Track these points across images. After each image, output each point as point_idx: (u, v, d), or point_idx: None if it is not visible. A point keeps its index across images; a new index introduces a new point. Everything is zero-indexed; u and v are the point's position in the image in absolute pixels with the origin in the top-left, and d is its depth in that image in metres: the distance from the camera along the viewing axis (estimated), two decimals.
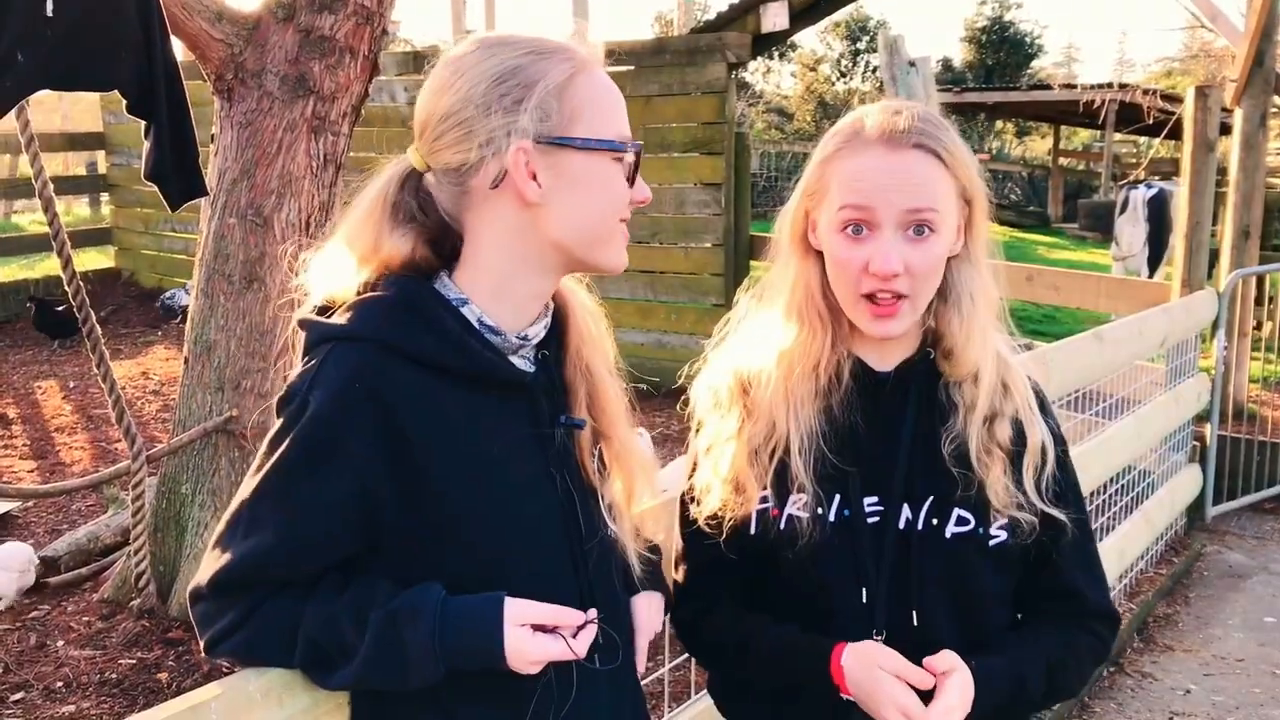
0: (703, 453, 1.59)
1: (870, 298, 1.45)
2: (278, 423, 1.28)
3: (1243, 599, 4.91)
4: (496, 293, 1.34)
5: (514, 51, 1.31)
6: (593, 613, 1.31)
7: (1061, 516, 1.52)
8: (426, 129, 1.33)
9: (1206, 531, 5.72)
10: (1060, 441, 1.58)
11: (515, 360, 1.36)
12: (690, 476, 1.61)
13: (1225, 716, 3.89)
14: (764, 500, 1.52)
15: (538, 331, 1.38)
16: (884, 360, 1.54)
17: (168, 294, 10.08)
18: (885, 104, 1.51)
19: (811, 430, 1.49)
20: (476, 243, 1.34)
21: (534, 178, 1.29)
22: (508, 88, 1.28)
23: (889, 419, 1.51)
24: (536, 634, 1.25)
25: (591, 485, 1.42)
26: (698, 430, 1.62)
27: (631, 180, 1.36)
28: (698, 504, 1.56)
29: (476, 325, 1.33)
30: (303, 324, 1.33)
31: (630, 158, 1.34)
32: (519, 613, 1.25)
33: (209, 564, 1.28)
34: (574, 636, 1.28)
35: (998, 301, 1.54)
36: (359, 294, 1.33)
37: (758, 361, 1.56)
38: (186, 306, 9.57)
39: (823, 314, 1.52)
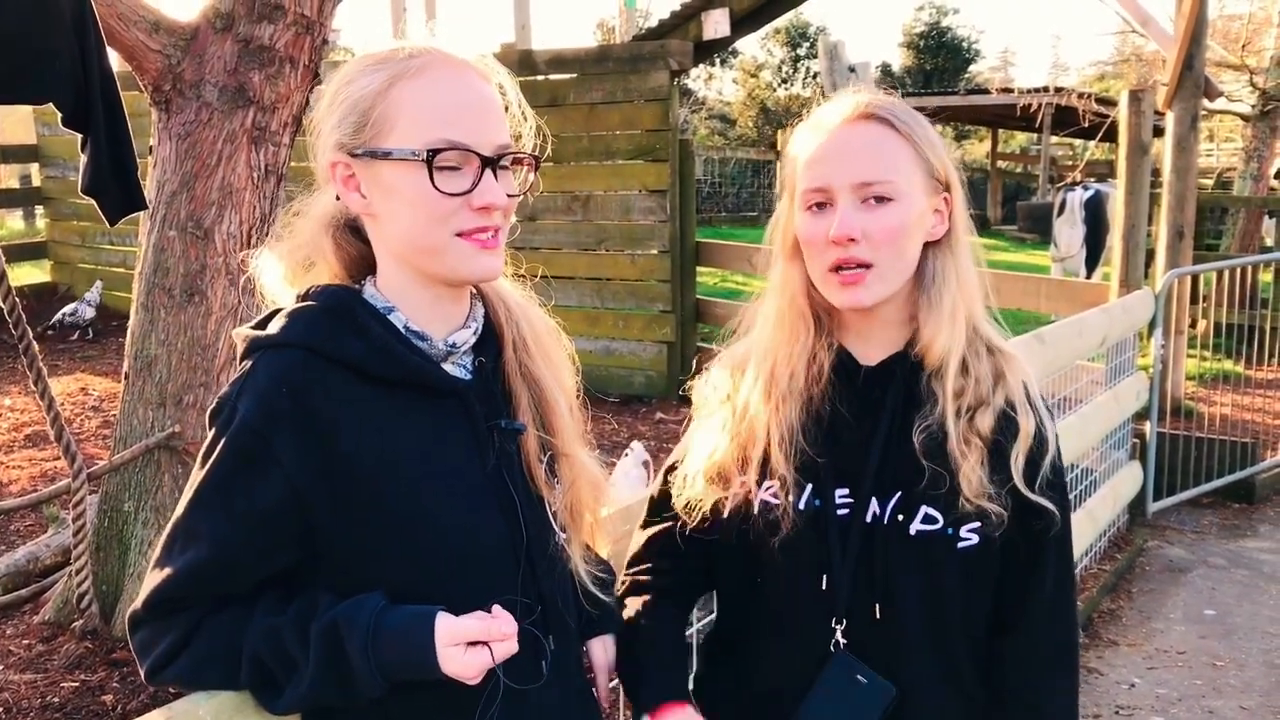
0: (692, 443, 1.65)
1: (837, 270, 1.48)
2: (210, 434, 1.28)
3: (1183, 593, 5.01)
4: (405, 300, 1.35)
5: (355, 69, 1.33)
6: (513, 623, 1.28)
7: (1050, 506, 1.50)
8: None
9: (1148, 527, 5.83)
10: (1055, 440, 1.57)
11: (449, 368, 1.37)
12: (678, 462, 1.67)
13: (1169, 708, 3.96)
14: (742, 486, 1.57)
15: (466, 338, 1.38)
16: (869, 354, 1.56)
17: (68, 308, 9.52)
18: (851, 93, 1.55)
19: (790, 423, 1.54)
20: (378, 258, 1.38)
21: (359, 191, 1.32)
22: (333, 104, 1.32)
23: (868, 412, 1.53)
24: (469, 650, 1.23)
25: (539, 492, 1.41)
26: (691, 422, 1.70)
27: (473, 184, 1.28)
28: (677, 489, 1.63)
29: (404, 331, 1.34)
30: (237, 336, 1.35)
31: (450, 159, 1.28)
32: (449, 632, 1.23)
33: (146, 585, 1.27)
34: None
35: (977, 294, 1.55)
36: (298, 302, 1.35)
37: (749, 360, 1.62)
38: (90, 322, 9.30)
39: (805, 314, 1.56)
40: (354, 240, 1.40)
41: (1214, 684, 4.14)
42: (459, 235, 1.29)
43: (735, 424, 1.59)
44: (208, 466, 1.26)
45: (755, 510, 1.55)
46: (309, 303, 1.33)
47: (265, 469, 1.24)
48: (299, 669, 1.23)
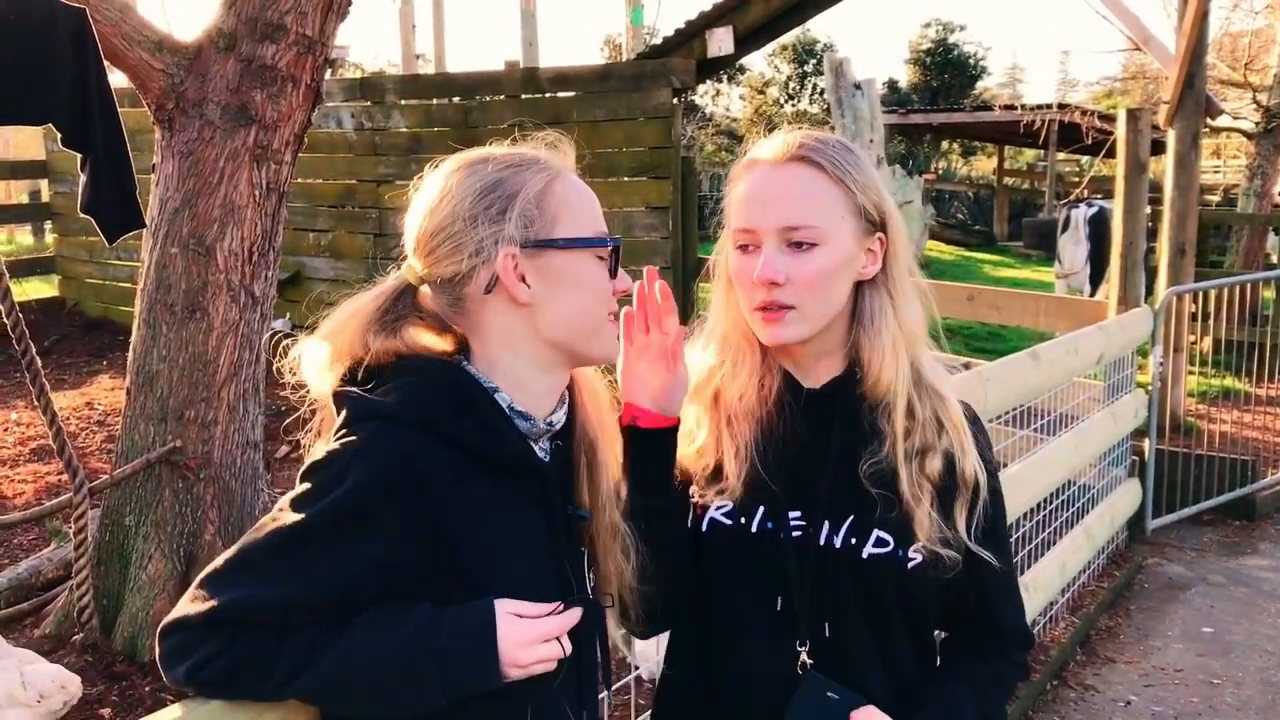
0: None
1: (763, 309, 1.52)
2: (304, 485, 1.30)
3: (1182, 610, 5.01)
4: (516, 388, 1.41)
5: (494, 166, 1.40)
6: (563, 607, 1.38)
7: (989, 558, 1.57)
8: (420, 245, 1.41)
9: (1147, 544, 5.83)
10: (993, 475, 1.62)
11: (535, 448, 1.43)
12: None
13: None
14: (700, 495, 1.60)
15: (560, 419, 1.45)
16: (811, 379, 1.59)
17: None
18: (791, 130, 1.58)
19: (744, 442, 1.57)
20: (485, 344, 1.42)
21: (523, 280, 1.38)
22: (491, 199, 1.38)
23: (816, 436, 1.56)
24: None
25: (586, 570, 1.49)
26: None
27: (614, 273, 1.44)
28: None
29: (508, 411, 1.39)
30: (343, 396, 1.36)
31: (609, 251, 1.43)
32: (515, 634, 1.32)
33: (199, 600, 1.27)
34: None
35: (917, 332, 1.58)
36: (342, 382, 1.38)
37: (700, 378, 1.64)
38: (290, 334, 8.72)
39: (748, 336, 1.59)
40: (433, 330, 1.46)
41: (1210, 702, 4.14)
42: (610, 316, 1.44)
43: (694, 429, 1.64)
44: (303, 516, 1.27)
45: (704, 526, 1.59)
46: (419, 375, 1.36)
47: (367, 536, 1.27)
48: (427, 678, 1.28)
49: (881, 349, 1.53)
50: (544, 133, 1.48)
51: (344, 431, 1.32)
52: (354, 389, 1.36)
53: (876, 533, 1.53)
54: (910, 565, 1.53)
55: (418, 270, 1.42)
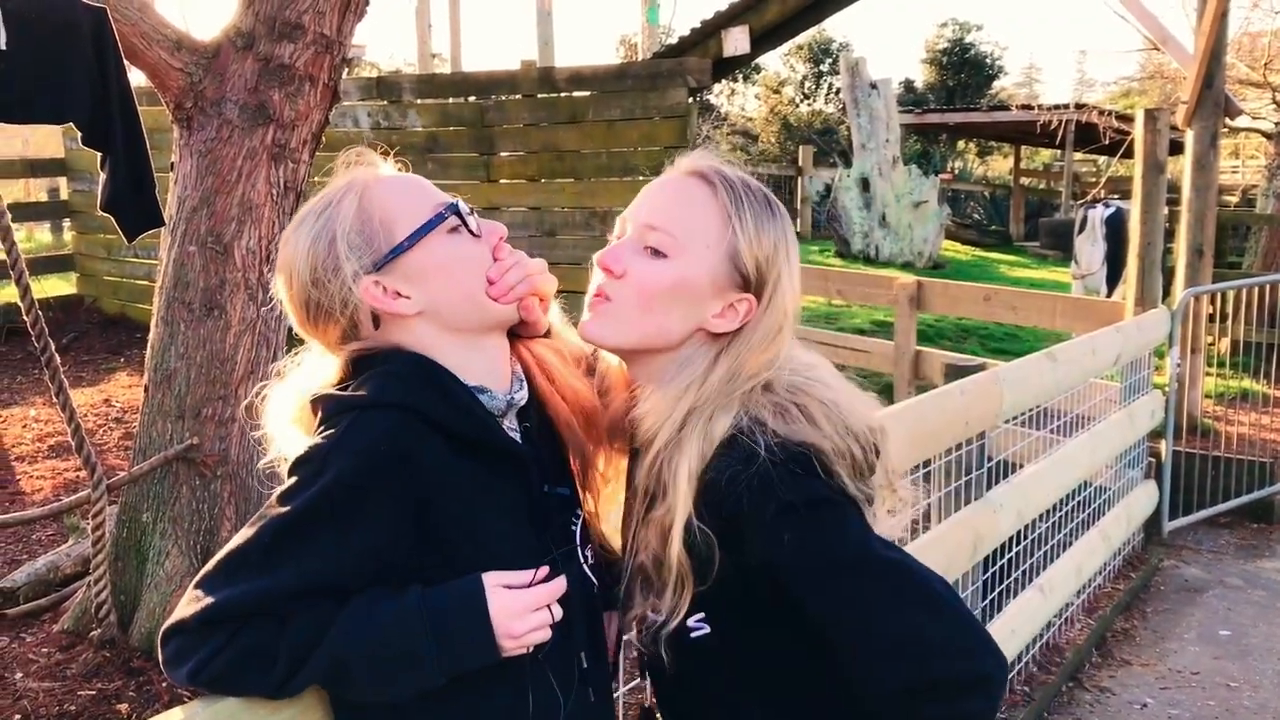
0: None
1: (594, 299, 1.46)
2: (290, 481, 1.31)
3: (1199, 613, 4.99)
4: (463, 372, 1.41)
5: (307, 224, 1.41)
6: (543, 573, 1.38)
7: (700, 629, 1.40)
8: (305, 329, 1.44)
9: (1163, 546, 5.81)
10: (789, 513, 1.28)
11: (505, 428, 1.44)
12: None
13: None
14: None
15: (522, 396, 1.46)
16: None
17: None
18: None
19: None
20: (414, 345, 1.42)
21: (399, 295, 1.38)
22: (319, 254, 1.38)
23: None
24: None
25: (574, 545, 1.49)
26: None
27: (474, 231, 1.42)
28: None
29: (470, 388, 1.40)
30: (319, 399, 1.38)
31: (455, 219, 1.40)
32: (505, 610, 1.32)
33: (194, 602, 1.28)
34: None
35: (722, 402, 1.36)
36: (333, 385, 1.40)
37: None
38: None
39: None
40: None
41: (1227, 705, 4.12)
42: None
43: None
44: (291, 508, 1.28)
45: None
46: (389, 367, 1.38)
47: (350, 525, 1.28)
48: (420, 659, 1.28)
49: (665, 394, 1.39)
50: (342, 154, 1.47)
51: (323, 427, 1.34)
52: (329, 390, 1.39)
53: (638, 595, 1.43)
54: (696, 635, 1.39)
55: (322, 348, 1.44)
